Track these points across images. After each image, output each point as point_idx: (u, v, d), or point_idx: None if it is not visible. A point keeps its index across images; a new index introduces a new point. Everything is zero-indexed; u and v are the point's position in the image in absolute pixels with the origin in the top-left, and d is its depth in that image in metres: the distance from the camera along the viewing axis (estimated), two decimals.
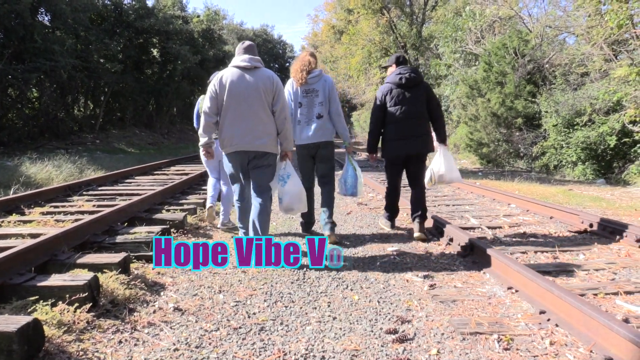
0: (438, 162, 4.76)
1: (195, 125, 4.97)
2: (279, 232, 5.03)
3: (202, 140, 3.93)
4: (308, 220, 4.85)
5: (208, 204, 5.24)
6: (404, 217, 5.62)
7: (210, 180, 5.28)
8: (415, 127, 4.60)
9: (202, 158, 4.59)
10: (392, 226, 5.10)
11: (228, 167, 4.02)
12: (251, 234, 3.92)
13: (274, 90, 3.81)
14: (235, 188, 4.09)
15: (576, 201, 7.00)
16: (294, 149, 4.36)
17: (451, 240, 4.35)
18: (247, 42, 4.02)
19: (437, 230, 4.81)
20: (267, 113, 3.80)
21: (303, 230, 4.92)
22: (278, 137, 3.93)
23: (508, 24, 17.29)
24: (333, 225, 4.58)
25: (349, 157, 4.78)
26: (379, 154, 5.04)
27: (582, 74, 13.17)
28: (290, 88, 4.50)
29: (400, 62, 4.81)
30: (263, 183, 3.94)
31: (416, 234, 4.64)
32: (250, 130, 3.76)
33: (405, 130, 4.60)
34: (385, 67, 4.98)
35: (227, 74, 3.79)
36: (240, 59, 3.84)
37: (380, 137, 4.86)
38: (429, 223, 4.97)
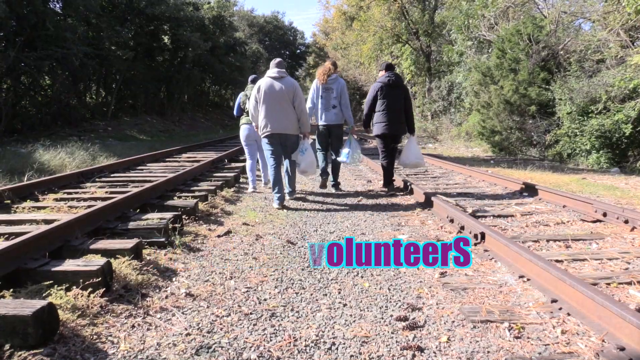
0: (405, 151, 6.72)
1: (235, 113, 7.00)
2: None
3: (254, 123, 5.88)
4: (324, 176, 6.84)
5: (250, 188, 6.76)
6: (417, 213, 5.60)
7: (248, 163, 6.85)
8: (395, 115, 6.45)
9: (242, 136, 6.72)
10: (392, 188, 6.68)
11: (265, 145, 5.77)
12: (286, 184, 5.97)
13: (293, 91, 5.59)
14: (271, 160, 5.75)
15: (590, 190, 6.92)
16: (313, 132, 6.31)
17: (462, 228, 4.33)
18: (278, 59, 5.82)
19: (448, 219, 4.79)
20: (290, 107, 5.61)
21: (320, 186, 6.94)
22: (299, 123, 5.73)
23: (522, 10, 16.98)
24: (337, 184, 6.88)
25: (351, 136, 6.57)
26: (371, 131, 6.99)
27: (597, 60, 12.91)
28: (314, 85, 6.52)
29: (389, 68, 6.59)
30: (289, 154, 5.84)
31: (383, 190, 6.74)
32: (278, 119, 5.58)
33: (388, 117, 6.43)
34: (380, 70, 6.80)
35: (263, 83, 5.60)
36: (272, 71, 5.65)
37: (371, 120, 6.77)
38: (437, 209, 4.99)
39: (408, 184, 6.64)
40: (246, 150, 6.84)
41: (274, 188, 5.66)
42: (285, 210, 5.49)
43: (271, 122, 5.56)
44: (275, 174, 5.67)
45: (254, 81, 6.46)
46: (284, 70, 5.71)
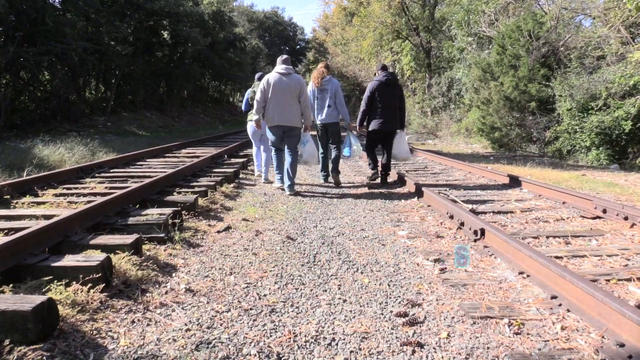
0: (395, 145, 7.03)
1: (243, 108, 7.71)
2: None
3: (255, 117, 6.38)
4: (325, 172, 7.26)
5: (256, 172, 7.69)
6: (417, 209, 5.60)
7: (254, 150, 7.68)
8: (390, 113, 6.78)
9: (249, 131, 7.43)
10: (375, 167, 7.19)
11: (270, 136, 6.31)
12: (285, 178, 6.24)
13: (300, 87, 6.09)
14: (274, 149, 6.37)
15: (589, 186, 6.92)
16: (314, 126, 6.92)
17: (462, 224, 4.33)
18: (285, 56, 6.29)
19: (448, 216, 4.78)
20: (295, 102, 6.10)
21: (324, 180, 7.30)
22: (302, 116, 6.25)
23: (523, 6, 16.95)
24: (337, 172, 7.09)
25: (349, 132, 7.24)
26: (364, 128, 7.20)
27: (598, 57, 12.90)
28: (310, 88, 6.82)
29: (384, 69, 6.99)
30: (292, 145, 6.28)
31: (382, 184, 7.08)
32: (285, 113, 6.06)
33: (384, 115, 6.76)
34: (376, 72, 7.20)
35: (272, 77, 6.07)
36: (280, 67, 6.11)
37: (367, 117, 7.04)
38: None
39: (404, 177, 7.01)
40: (253, 143, 7.67)
41: (277, 169, 6.38)
42: (284, 206, 5.49)
43: (278, 115, 6.06)
44: (277, 159, 6.40)
45: (260, 78, 6.99)
46: (291, 67, 6.20)
